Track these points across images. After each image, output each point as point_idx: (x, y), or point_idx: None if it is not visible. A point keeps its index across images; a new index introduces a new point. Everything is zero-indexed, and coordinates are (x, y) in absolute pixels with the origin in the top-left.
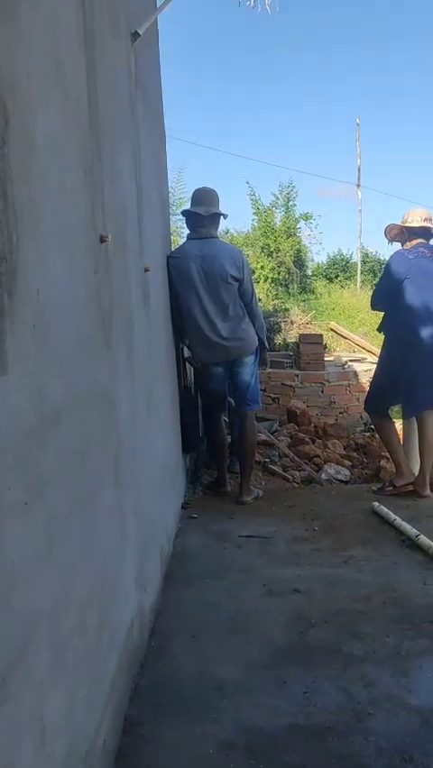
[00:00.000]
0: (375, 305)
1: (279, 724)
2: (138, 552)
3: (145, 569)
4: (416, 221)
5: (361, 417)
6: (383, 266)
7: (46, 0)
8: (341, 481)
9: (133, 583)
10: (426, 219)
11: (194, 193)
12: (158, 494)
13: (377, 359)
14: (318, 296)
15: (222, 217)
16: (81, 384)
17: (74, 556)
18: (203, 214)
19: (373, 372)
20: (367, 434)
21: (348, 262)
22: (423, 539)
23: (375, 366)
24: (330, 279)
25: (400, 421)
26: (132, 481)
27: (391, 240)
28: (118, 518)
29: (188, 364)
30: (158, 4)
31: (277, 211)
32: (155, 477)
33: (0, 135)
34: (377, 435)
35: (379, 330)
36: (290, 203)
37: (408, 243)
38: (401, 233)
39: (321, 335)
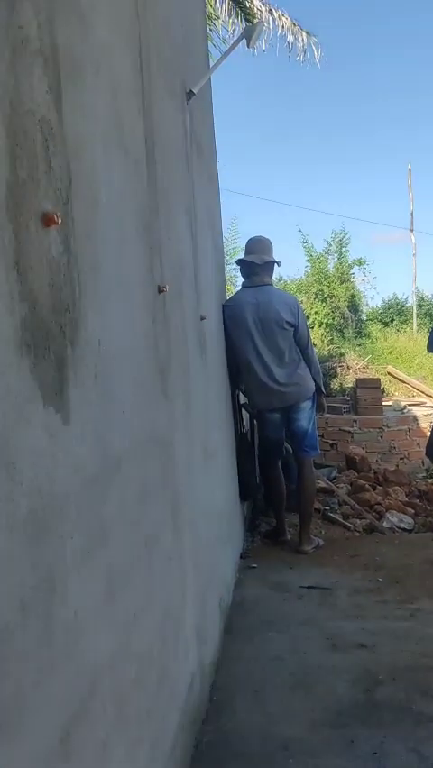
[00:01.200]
0: (431, 347)
1: None
2: (198, 602)
3: (205, 620)
4: None
5: (422, 463)
6: None
7: (107, 65)
8: (404, 530)
9: (194, 635)
10: None
11: (248, 242)
12: (216, 542)
13: None
14: (374, 340)
15: (276, 265)
16: (140, 432)
17: (134, 605)
18: (257, 262)
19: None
20: (430, 480)
21: (403, 306)
22: None
23: None
24: (385, 324)
25: None
26: (190, 529)
27: None
28: (177, 567)
29: (244, 411)
30: (211, 63)
31: (330, 257)
32: (213, 525)
33: (65, 194)
34: None
35: None
36: (343, 249)
37: None
38: None
39: (378, 380)
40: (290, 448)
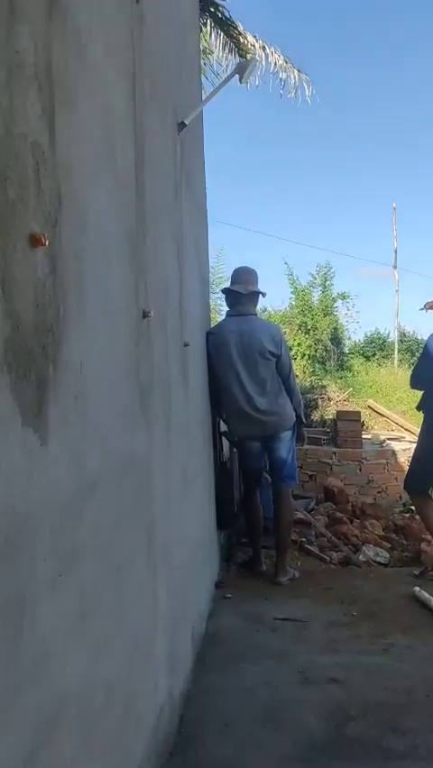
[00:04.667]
0: (415, 383)
1: None
2: (169, 631)
3: (177, 650)
4: None
5: (400, 498)
6: (422, 345)
7: (100, 90)
8: (380, 563)
9: (164, 664)
10: None
11: (234, 272)
12: (191, 571)
13: (416, 437)
14: (355, 373)
15: (261, 295)
16: (119, 455)
17: (104, 632)
18: (242, 292)
19: (412, 451)
20: (407, 515)
21: (385, 341)
22: None
23: (415, 444)
24: (367, 358)
25: None
26: (164, 556)
27: (428, 309)
28: (150, 595)
29: (225, 439)
30: (203, 96)
31: (314, 290)
32: (188, 553)
33: (54, 215)
34: (417, 517)
35: (418, 408)
36: (328, 282)
37: None
38: None
39: (359, 412)
40: (268, 477)
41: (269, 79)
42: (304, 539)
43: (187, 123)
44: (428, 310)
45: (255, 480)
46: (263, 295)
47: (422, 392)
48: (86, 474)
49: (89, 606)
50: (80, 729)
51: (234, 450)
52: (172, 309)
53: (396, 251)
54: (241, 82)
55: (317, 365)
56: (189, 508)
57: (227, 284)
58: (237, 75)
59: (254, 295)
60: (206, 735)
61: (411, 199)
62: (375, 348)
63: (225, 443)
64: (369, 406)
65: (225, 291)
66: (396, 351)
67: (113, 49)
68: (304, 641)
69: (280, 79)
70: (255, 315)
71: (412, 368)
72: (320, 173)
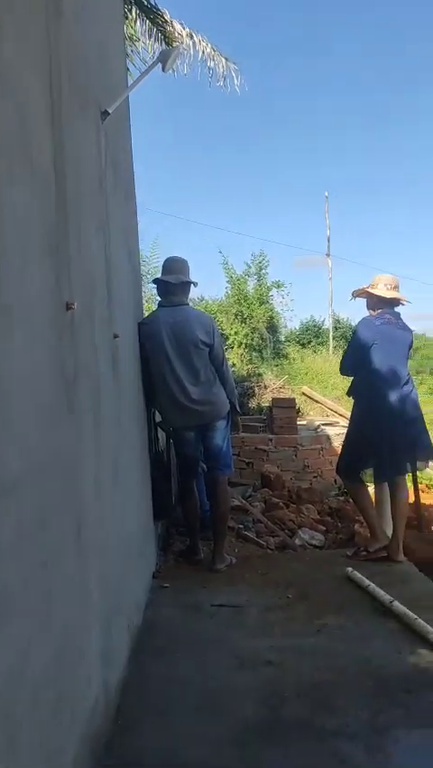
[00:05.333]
0: (344, 370)
1: None
2: (104, 624)
3: (112, 642)
4: (386, 291)
5: (335, 482)
6: (352, 332)
7: (13, 84)
8: (315, 546)
9: (99, 658)
10: (394, 287)
11: (165, 262)
12: (126, 564)
13: (348, 423)
14: (291, 361)
15: (192, 285)
16: (41, 453)
17: (29, 630)
18: (173, 282)
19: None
20: (341, 498)
21: (320, 328)
22: (397, 605)
23: (346, 430)
24: (303, 345)
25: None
26: (96, 551)
27: (357, 297)
28: (80, 589)
29: (160, 429)
30: (129, 83)
31: (249, 279)
32: (123, 546)
33: None
34: (351, 500)
35: (348, 394)
36: (263, 271)
37: (375, 310)
38: (369, 297)
39: (293, 399)
40: (204, 467)
41: (197, 68)
42: (241, 526)
43: (110, 111)
44: (356, 298)
45: (191, 469)
46: (195, 285)
47: (352, 378)
48: (5, 473)
49: (12, 606)
50: (3, 733)
51: (170, 440)
52: (100, 301)
53: (329, 240)
54: (164, 70)
55: (253, 353)
56: (123, 501)
57: (159, 274)
58: (160, 63)
59: (186, 285)
60: (142, 725)
61: (343, 189)
62: (311, 335)
63: (161, 433)
64: (304, 393)
65: (156, 282)
66: (330, 337)
67: (26, 40)
68: (240, 626)
69: (209, 68)
70: (188, 305)
71: (343, 355)
72: (256, 163)
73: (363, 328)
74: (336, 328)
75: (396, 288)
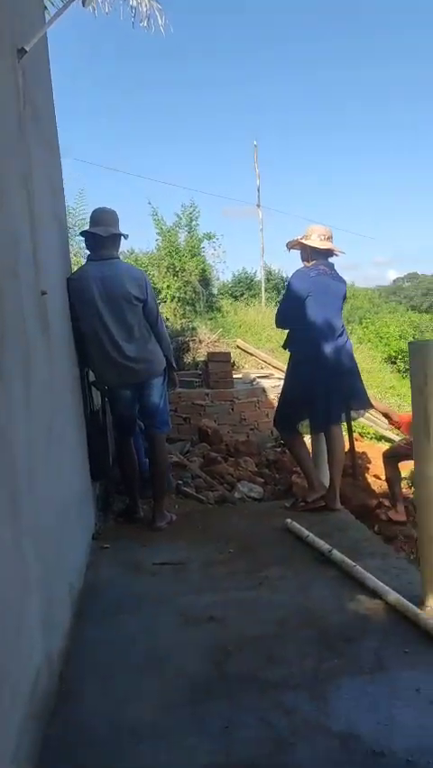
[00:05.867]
0: (279, 323)
1: (199, 764)
2: (43, 593)
3: (53, 610)
4: (320, 242)
5: (271, 433)
6: (286, 284)
7: None
8: (254, 499)
9: (39, 627)
10: (328, 238)
11: (92, 214)
12: (65, 528)
13: (284, 375)
14: (225, 314)
15: (122, 238)
16: None
17: None
18: (102, 234)
19: (281, 388)
20: (278, 449)
21: (252, 280)
22: (336, 554)
23: (282, 383)
24: (236, 298)
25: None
26: (32, 517)
27: (291, 248)
28: (16, 559)
29: (95, 388)
30: (47, 20)
31: (180, 231)
32: (61, 510)
33: None
34: (288, 451)
35: (284, 347)
36: (193, 223)
37: (309, 261)
38: (303, 248)
39: (228, 353)
40: (142, 424)
41: (119, 6)
42: (180, 481)
43: (27, 49)
44: (291, 250)
45: (128, 428)
46: (125, 237)
47: (287, 331)
48: None
49: None
50: None
51: (105, 399)
52: (25, 257)
53: (259, 190)
54: (84, 6)
55: (186, 307)
56: (58, 465)
57: (87, 227)
58: None
59: (116, 237)
60: (86, 690)
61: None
62: (243, 288)
63: (96, 392)
64: (238, 346)
65: (84, 234)
66: (263, 290)
67: None
68: (183, 583)
69: (131, 7)
70: (118, 258)
71: (277, 308)
72: (182, 111)
73: (298, 280)
74: (268, 280)
75: (330, 238)
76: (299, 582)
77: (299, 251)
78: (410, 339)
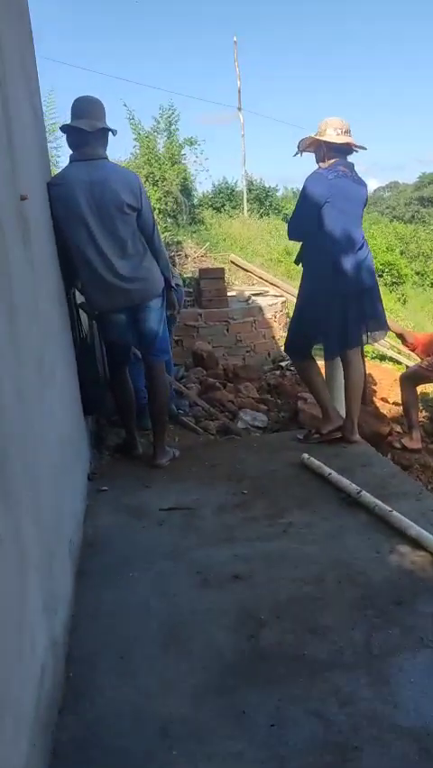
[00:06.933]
0: (293, 234)
1: None
2: (44, 562)
3: (54, 581)
4: (337, 136)
5: (268, 355)
6: (300, 189)
7: None
8: (258, 428)
9: (41, 612)
10: (346, 132)
11: (74, 104)
12: (62, 478)
13: (280, 291)
14: (208, 226)
15: (111, 133)
16: None
17: None
18: (87, 129)
19: (278, 306)
20: (278, 372)
21: (234, 191)
22: (366, 496)
23: (296, 302)
24: (217, 209)
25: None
26: (27, 470)
27: (303, 151)
28: (8, 529)
29: (83, 312)
30: None
31: (159, 136)
32: (56, 457)
33: None
34: (287, 374)
35: (297, 262)
36: (173, 127)
37: (326, 161)
38: (318, 147)
39: (222, 269)
40: (138, 352)
41: None
42: (180, 411)
43: None
44: (303, 153)
45: (123, 356)
46: (114, 133)
47: (300, 244)
48: None
49: None
50: None
51: (93, 322)
52: (1, 160)
53: (239, 91)
54: None
55: (168, 220)
56: (51, 405)
57: (68, 120)
58: None
59: (103, 132)
60: (99, 675)
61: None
62: (224, 199)
63: (84, 316)
64: (231, 261)
65: (65, 129)
66: (245, 200)
67: None
68: (196, 532)
69: None
70: (107, 158)
71: (290, 217)
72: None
73: (314, 183)
74: (249, 190)
75: (347, 132)
76: (328, 530)
77: (312, 154)
78: (398, 251)
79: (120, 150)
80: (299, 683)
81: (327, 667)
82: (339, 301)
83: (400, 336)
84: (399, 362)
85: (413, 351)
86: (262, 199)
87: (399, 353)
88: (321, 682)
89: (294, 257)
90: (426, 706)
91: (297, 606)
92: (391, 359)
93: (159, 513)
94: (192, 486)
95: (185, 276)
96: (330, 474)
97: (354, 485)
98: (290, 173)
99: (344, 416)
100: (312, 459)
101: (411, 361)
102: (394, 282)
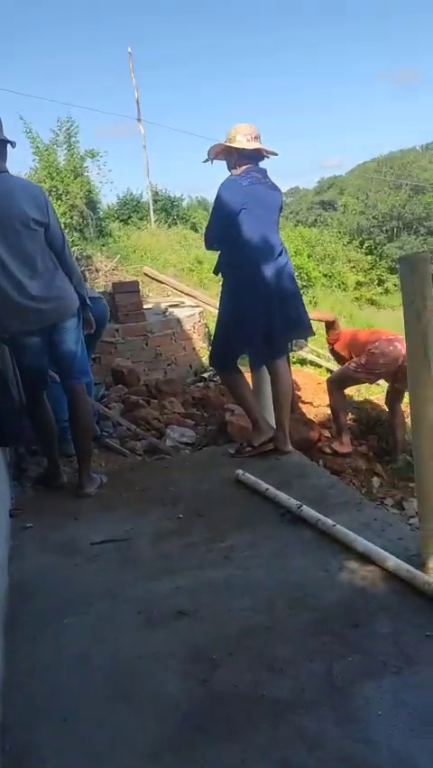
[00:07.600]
0: (210, 243)
1: None
2: None
3: None
4: (247, 142)
5: (190, 367)
6: (214, 197)
7: None
8: (187, 444)
9: None
10: (255, 138)
11: None
12: None
13: (197, 302)
14: (117, 239)
15: (10, 146)
16: None
17: None
18: None
19: (196, 316)
20: (201, 384)
21: (139, 202)
22: (307, 510)
23: (218, 314)
24: (124, 221)
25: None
26: None
27: (213, 159)
28: None
29: None
30: None
31: (59, 149)
32: None
33: None
34: (211, 385)
35: (215, 272)
36: (72, 139)
37: (238, 168)
38: (229, 155)
39: (137, 282)
40: (56, 376)
41: None
42: (104, 432)
43: None
44: (214, 161)
45: (40, 381)
46: (12, 145)
47: (218, 253)
48: None
49: None
50: None
51: (5, 347)
52: None
53: (138, 102)
54: None
55: (75, 234)
56: None
57: None
58: None
59: (2, 144)
60: (41, 744)
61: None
62: (130, 210)
63: None
64: (145, 274)
65: None
66: (151, 211)
67: None
68: (133, 565)
69: None
70: (7, 171)
71: (206, 226)
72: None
73: (229, 191)
74: (155, 201)
75: (257, 138)
76: (272, 550)
77: (224, 162)
78: (306, 254)
79: (19, 163)
80: (261, 729)
81: (289, 707)
82: (263, 310)
83: (330, 324)
84: (319, 366)
85: (333, 344)
86: (168, 209)
87: (318, 357)
88: (285, 725)
89: (206, 266)
90: (397, 741)
91: (249, 639)
92: (311, 362)
93: (91, 547)
94: (124, 514)
95: (97, 290)
96: (267, 489)
97: (293, 500)
98: (195, 182)
99: (274, 426)
100: (247, 474)
101: (332, 364)
102: (304, 285)
